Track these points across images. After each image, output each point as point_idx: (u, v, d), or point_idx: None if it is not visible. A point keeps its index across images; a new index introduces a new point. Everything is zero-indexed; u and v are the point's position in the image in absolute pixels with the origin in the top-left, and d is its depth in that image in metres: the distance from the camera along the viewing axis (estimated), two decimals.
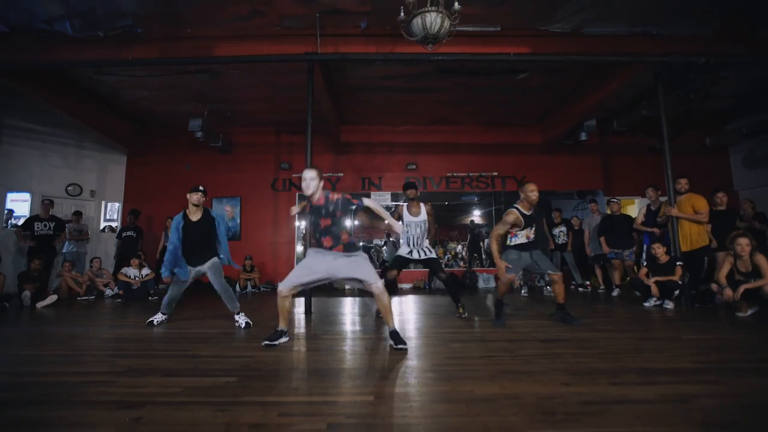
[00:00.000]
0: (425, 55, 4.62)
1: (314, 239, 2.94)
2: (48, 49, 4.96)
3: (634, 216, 6.28)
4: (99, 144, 7.67)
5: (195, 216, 3.77)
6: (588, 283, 6.86)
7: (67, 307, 5.04)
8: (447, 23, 2.99)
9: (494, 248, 3.45)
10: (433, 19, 2.91)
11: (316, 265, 2.85)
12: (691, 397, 1.76)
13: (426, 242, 4.20)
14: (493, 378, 2.08)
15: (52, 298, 5.10)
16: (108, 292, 6.08)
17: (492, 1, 4.45)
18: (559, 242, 7.24)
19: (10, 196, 7.03)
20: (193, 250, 3.72)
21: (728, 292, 3.88)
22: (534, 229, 3.66)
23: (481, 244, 10.59)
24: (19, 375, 2.22)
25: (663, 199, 5.28)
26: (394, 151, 8.40)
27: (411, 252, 4.14)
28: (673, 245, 4.78)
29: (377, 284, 2.74)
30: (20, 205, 7.17)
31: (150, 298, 5.91)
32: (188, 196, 3.78)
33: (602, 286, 6.53)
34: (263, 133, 8.24)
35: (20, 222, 6.58)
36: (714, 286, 4.12)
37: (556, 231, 7.27)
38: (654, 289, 4.68)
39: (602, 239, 6.24)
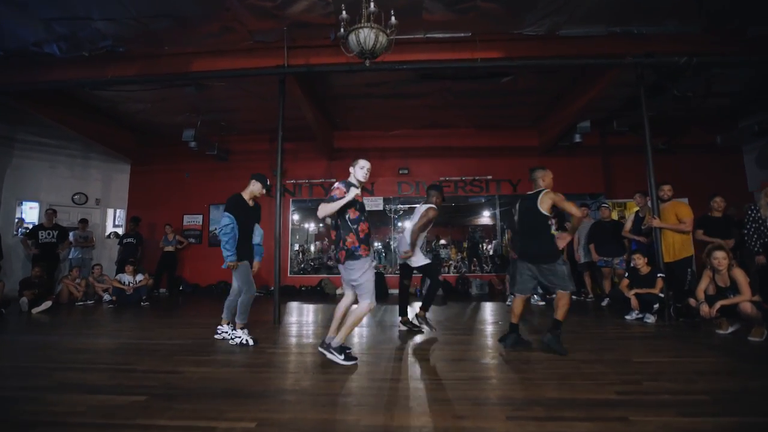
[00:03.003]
0: (390, 64, 4.60)
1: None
2: (41, 71, 5.27)
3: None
4: (104, 155, 8.06)
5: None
6: (583, 291, 6.58)
7: (61, 313, 5.34)
8: (383, 38, 2.97)
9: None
10: (366, 35, 2.89)
11: None
12: None
13: None
14: (387, 407, 2.05)
15: (47, 304, 5.41)
16: (106, 297, 6.38)
17: (460, 8, 4.37)
18: None
19: (25, 204, 7.53)
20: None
21: (704, 308, 3.65)
22: None
23: (482, 248, 10.43)
24: None
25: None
26: (386, 156, 8.37)
27: None
28: (656, 256, 4.54)
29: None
30: (30, 212, 7.66)
31: (142, 303, 6.17)
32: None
33: (591, 295, 6.27)
34: (258, 141, 8.40)
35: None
36: (692, 301, 3.88)
37: None
38: (634, 302, 4.47)
39: (591, 246, 6.01)
